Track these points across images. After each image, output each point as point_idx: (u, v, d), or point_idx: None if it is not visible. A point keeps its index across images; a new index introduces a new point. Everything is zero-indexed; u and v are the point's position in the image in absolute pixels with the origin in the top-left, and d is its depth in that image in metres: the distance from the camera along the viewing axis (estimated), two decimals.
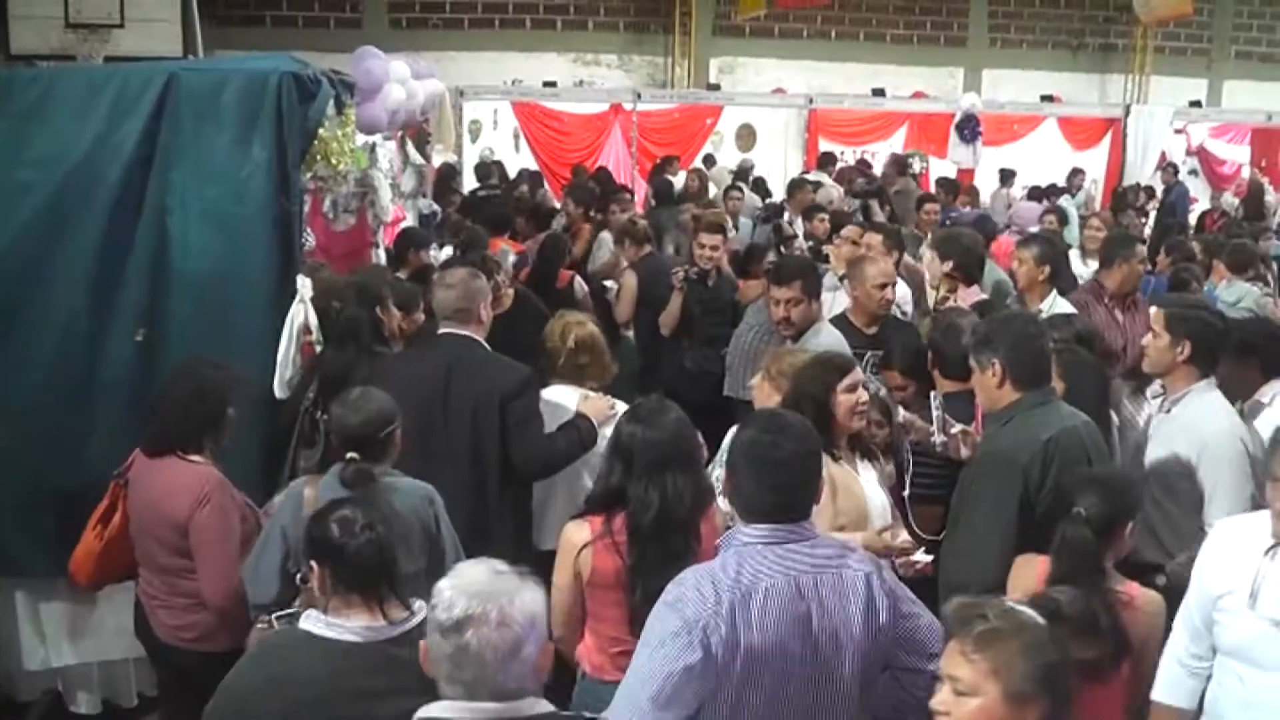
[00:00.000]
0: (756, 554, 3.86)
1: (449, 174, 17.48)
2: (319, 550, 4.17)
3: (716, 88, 24.18)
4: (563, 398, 6.76)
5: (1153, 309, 7.00)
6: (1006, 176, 21.56)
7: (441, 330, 6.52)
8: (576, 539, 5.02)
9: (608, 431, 6.52)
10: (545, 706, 3.50)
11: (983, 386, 5.63)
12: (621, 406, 6.66)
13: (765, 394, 6.12)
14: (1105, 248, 9.27)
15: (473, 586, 3.37)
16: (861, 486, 5.63)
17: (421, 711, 3.42)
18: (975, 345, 5.60)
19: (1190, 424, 5.99)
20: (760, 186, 20.15)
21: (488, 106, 21.96)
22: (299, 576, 4.99)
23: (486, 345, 6.53)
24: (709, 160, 22.25)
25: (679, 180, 18.49)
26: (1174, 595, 5.51)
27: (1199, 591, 4.71)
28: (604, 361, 6.96)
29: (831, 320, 7.80)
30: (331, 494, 4.96)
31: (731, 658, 3.73)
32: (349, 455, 5.19)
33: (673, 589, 3.88)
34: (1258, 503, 5.65)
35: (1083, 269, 11.41)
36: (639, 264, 10.79)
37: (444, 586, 3.41)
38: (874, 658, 3.94)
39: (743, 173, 20.72)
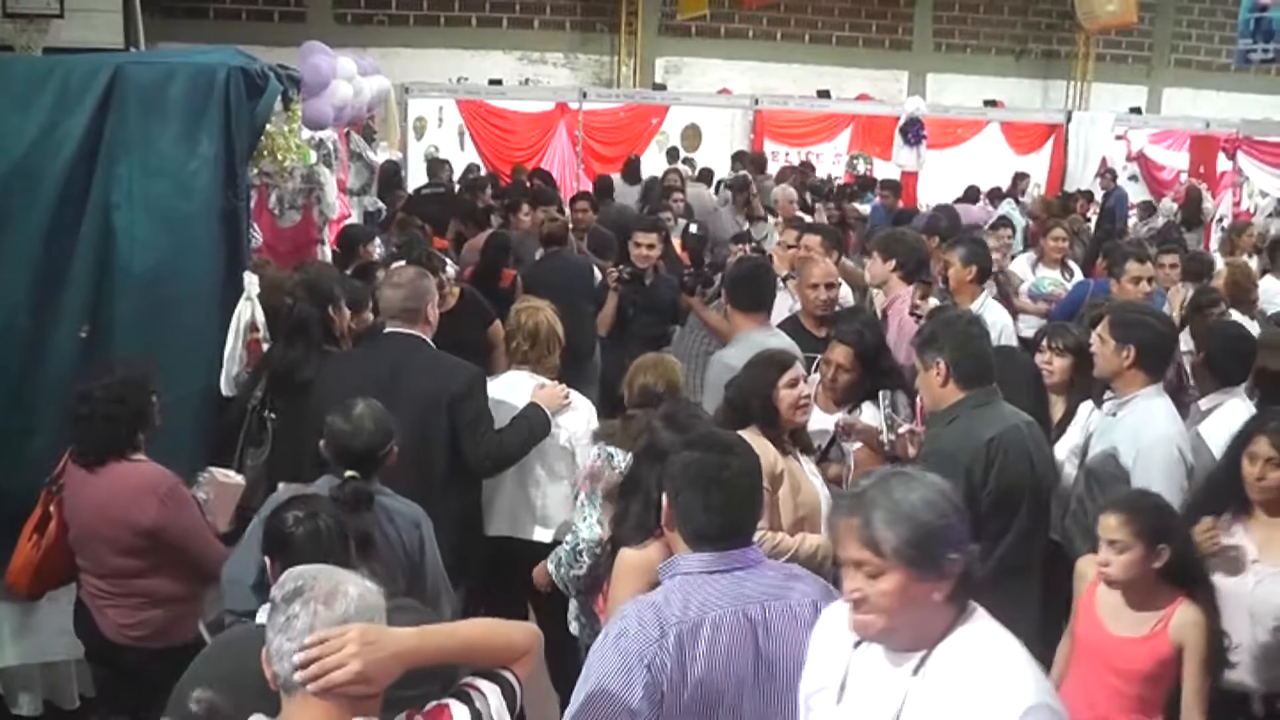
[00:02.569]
0: (702, 584, 3.75)
1: (394, 172, 17.40)
2: (269, 544, 4.21)
3: (662, 88, 24.20)
4: (516, 384, 6.70)
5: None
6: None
7: (388, 329, 6.46)
8: (648, 561, 4.64)
9: (564, 420, 6.56)
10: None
11: (927, 385, 5.66)
12: (577, 397, 6.68)
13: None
14: (1107, 265, 9.38)
15: (309, 570, 3.24)
16: (811, 479, 5.67)
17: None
18: (920, 345, 5.62)
19: (1131, 428, 6.04)
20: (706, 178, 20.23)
21: (433, 104, 21.84)
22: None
23: (433, 344, 6.47)
24: (673, 153, 22.28)
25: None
26: None
27: None
28: (546, 351, 6.86)
29: (781, 324, 7.74)
30: None
31: (679, 693, 3.62)
32: (348, 474, 5.06)
33: (615, 623, 3.76)
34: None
35: (1031, 275, 11.46)
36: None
37: (285, 575, 3.26)
38: None
39: (705, 174, 20.74)
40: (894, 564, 3.12)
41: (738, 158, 21.12)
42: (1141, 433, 5.96)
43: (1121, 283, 8.86)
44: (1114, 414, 6.22)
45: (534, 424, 6.43)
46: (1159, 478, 5.80)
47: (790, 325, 7.76)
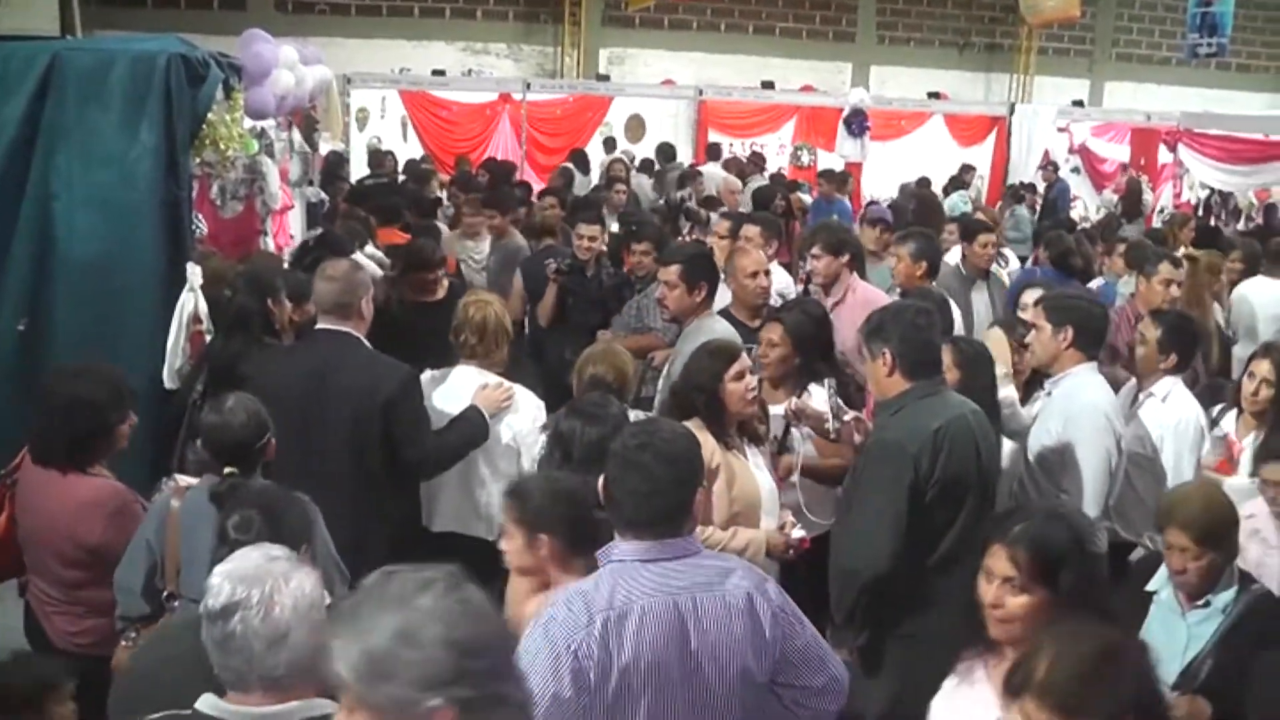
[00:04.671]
0: (632, 572, 3.76)
1: (336, 162, 17.29)
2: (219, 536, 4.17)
3: (606, 78, 24.13)
4: (465, 380, 6.63)
5: (1029, 295, 7.65)
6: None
7: (319, 326, 6.28)
8: None
9: (509, 418, 6.49)
10: (326, 708, 3.18)
11: (873, 375, 5.66)
12: (522, 396, 6.61)
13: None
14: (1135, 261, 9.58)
15: (239, 572, 3.24)
16: (751, 472, 5.64)
17: (198, 703, 3.28)
18: (867, 335, 5.62)
19: (1062, 398, 6.37)
20: (647, 169, 20.22)
21: (375, 95, 21.73)
22: (164, 594, 5.01)
23: (366, 342, 6.32)
24: (610, 143, 22.25)
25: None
26: None
27: None
28: (495, 344, 6.80)
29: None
30: (198, 510, 4.84)
31: (604, 682, 3.63)
32: (227, 470, 5.00)
33: (546, 610, 3.78)
34: (1114, 473, 6.25)
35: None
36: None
37: (216, 573, 3.26)
38: (759, 678, 3.85)
39: (646, 165, 20.71)
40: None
41: (661, 151, 21.04)
42: (1071, 402, 6.29)
43: (1151, 282, 8.93)
44: (1049, 393, 6.56)
45: (473, 427, 6.35)
46: (1086, 443, 6.17)
47: (724, 317, 7.66)
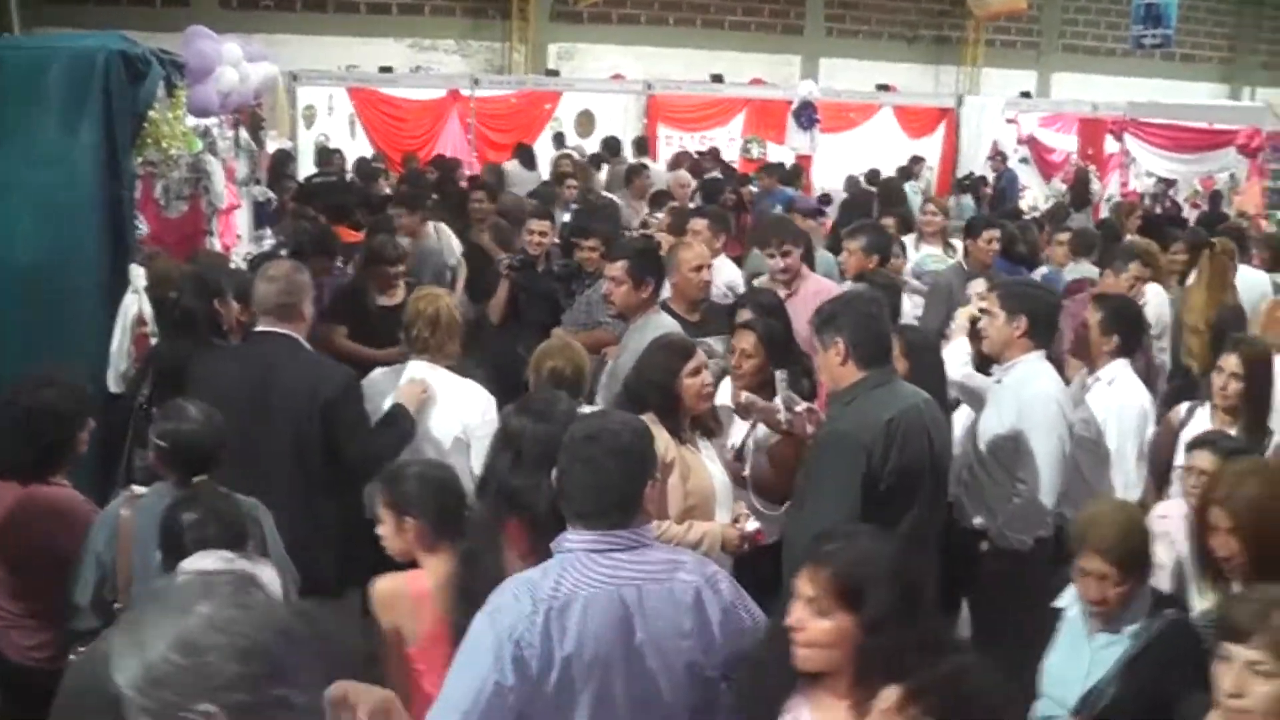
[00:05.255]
0: (580, 562, 3.75)
1: (283, 160, 17.16)
2: (167, 547, 4.18)
3: (555, 74, 24.10)
4: (417, 375, 6.58)
5: (981, 287, 7.61)
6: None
7: (260, 329, 6.19)
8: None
9: (459, 412, 6.46)
10: None
11: (826, 365, 5.63)
12: (472, 390, 6.59)
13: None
14: (1103, 256, 9.59)
15: (211, 572, 3.17)
16: (705, 465, 5.62)
17: None
18: (819, 325, 5.59)
19: (1013, 387, 6.40)
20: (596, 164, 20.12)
21: (322, 92, 21.59)
22: (114, 604, 4.92)
23: (306, 344, 6.26)
24: (559, 138, 22.19)
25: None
26: (999, 559, 6.27)
27: None
28: (447, 338, 6.75)
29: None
30: (153, 520, 4.74)
31: (546, 672, 3.62)
32: (196, 478, 4.96)
33: (493, 597, 3.76)
34: (1067, 461, 6.32)
35: (914, 253, 11.47)
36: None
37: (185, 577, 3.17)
38: (707, 672, 3.83)
39: (595, 160, 20.62)
40: None
41: (606, 145, 21.00)
42: (1023, 391, 6.33)
43: (1119, 279, 8.98)
44: (1000, 381, 6.56)
45: (402, 423, 6.31)
46: (1039, 432, 6.23)
47: (662, 309, 7.61)
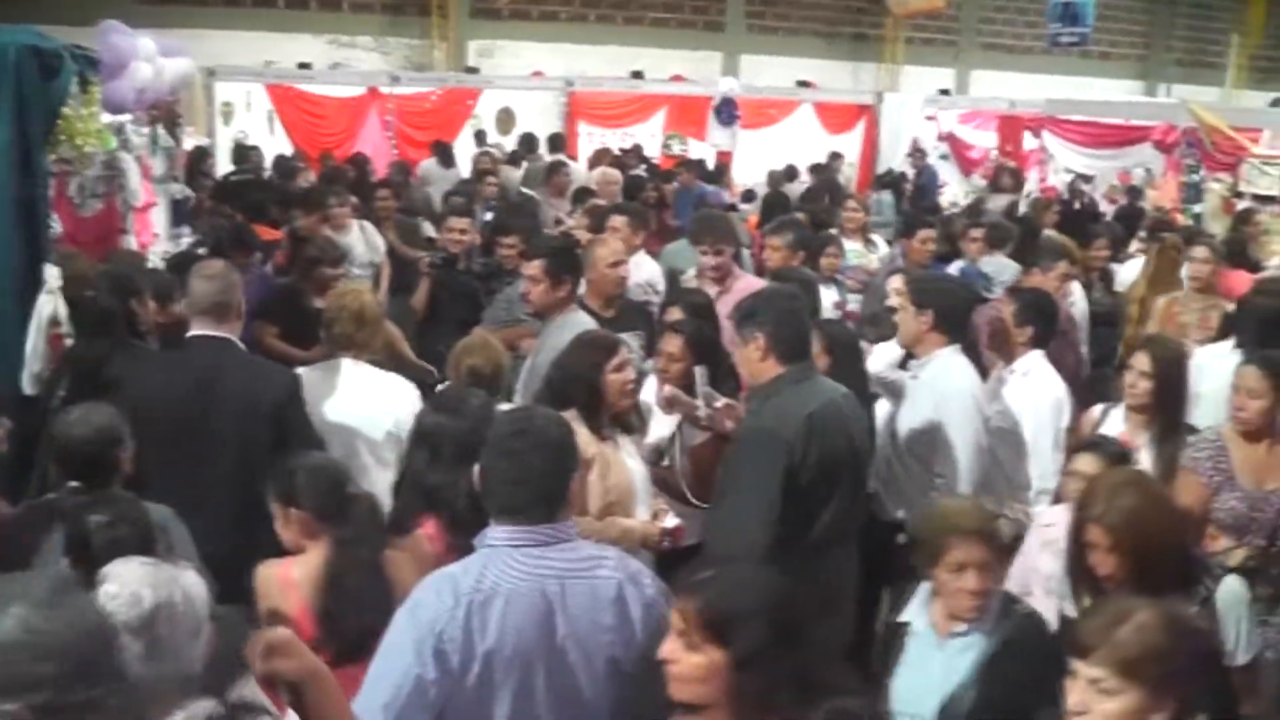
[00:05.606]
0: (502, 557, 3.75)
1: (201, 158, 16.99)
2: (73, 551, 4.13)
3: (475, 71, 23.99)
4: (344, 373, 6.55)
5: (898, 282, 7.61)
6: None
7: (195, 332, 6.06)
8: (412, 549, 4.82)
9: (390, 406, 6.44)
10: (212, 708, 3.26)
11: (746, 360, 5.65)
12: (400, 385, 6.60)
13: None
14: (1030, 255, 9.62)
15: (143, 578, 3.17)
16: (624, 462, 5.64)
17: None
18: (740, 320, 5.63)
19: (930, 383, 6.51)
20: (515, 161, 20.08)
21: (240, 88, 21.30)
22: None
23: (241, 345, 6.21)
24: (480, 136, 22.10)
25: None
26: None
27: None
28: (372, 333, 6.71)
29: None
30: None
31: (467, 666, 3.62)
32: (71, 484, 4.91)
33: (415, 592, 3.78)
34: (983, 454, 6.40)
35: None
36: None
37: (114, 590, 3.15)
38: (627, 668, 3.82)
39: (515, 157, 20.55)
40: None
41: (524, 142, 20.93)
42: (938, 385, 6.45)
43: (1048, 277, 9.10)
44: (916, 376, 6.67)
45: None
46: (956, 427, 6.34)
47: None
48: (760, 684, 3.25)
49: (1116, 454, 5.60)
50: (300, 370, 6.53)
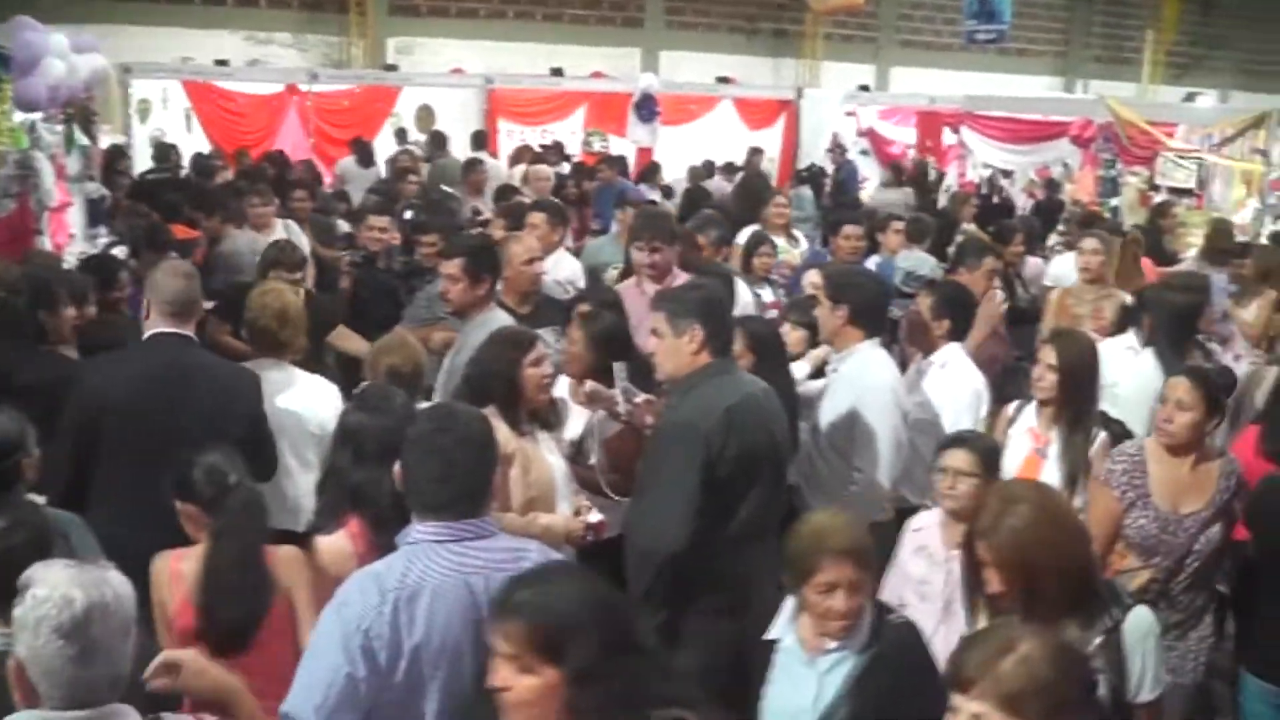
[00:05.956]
0: (427, 553, 3.78)
1: (117, 156, 16.82)
2: None
3: (394, 68, 23.85)
4: (273, 375, 6.47)
5: (815, 277, 7.77)
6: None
7: (160, 330, 5.95)
8: (340, 551, 4.79)
9: (314, 406, 6.45)
10: (129, 714, 3.23)
11: (676, 352, 5.60)
12: (321, 385, 6.61)
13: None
14: (955, 253, 9.54)
15: (71, 579, 3.14)
16: (545, 457, 5.66)
17: None
18: (674, 311, 5.60)
19: (850, 378, 6.54)
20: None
21: (157, 85, 21.06)
22: None
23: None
24: (439, 138, 21.95)
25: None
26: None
27: None
28: (294, 333, 6.66)
29: None
30: None
31: (395, 661, 3.65)
32: None
33: (341, 591, 3.79)
34: (903, 448, 6.47)
35: None
36: None
37: (42, 594, 3.12)
38: None
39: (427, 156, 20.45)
40: None
41: (433, 140, 20.83)
42: (859, 381, 6.49)
43: (975, 275, 9.01)
44: (835, 369, 6.70)
45: None
46: (875, 421, 6.39)
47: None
48: (596, 697, 3.15)
49: (986, 449, 5.59)
50: None
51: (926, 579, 5.40)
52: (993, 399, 7.17)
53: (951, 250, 10.99)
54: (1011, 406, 6.71)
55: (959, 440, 5.65)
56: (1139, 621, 4.22)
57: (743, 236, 10.79)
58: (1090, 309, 9.49)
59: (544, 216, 9.54)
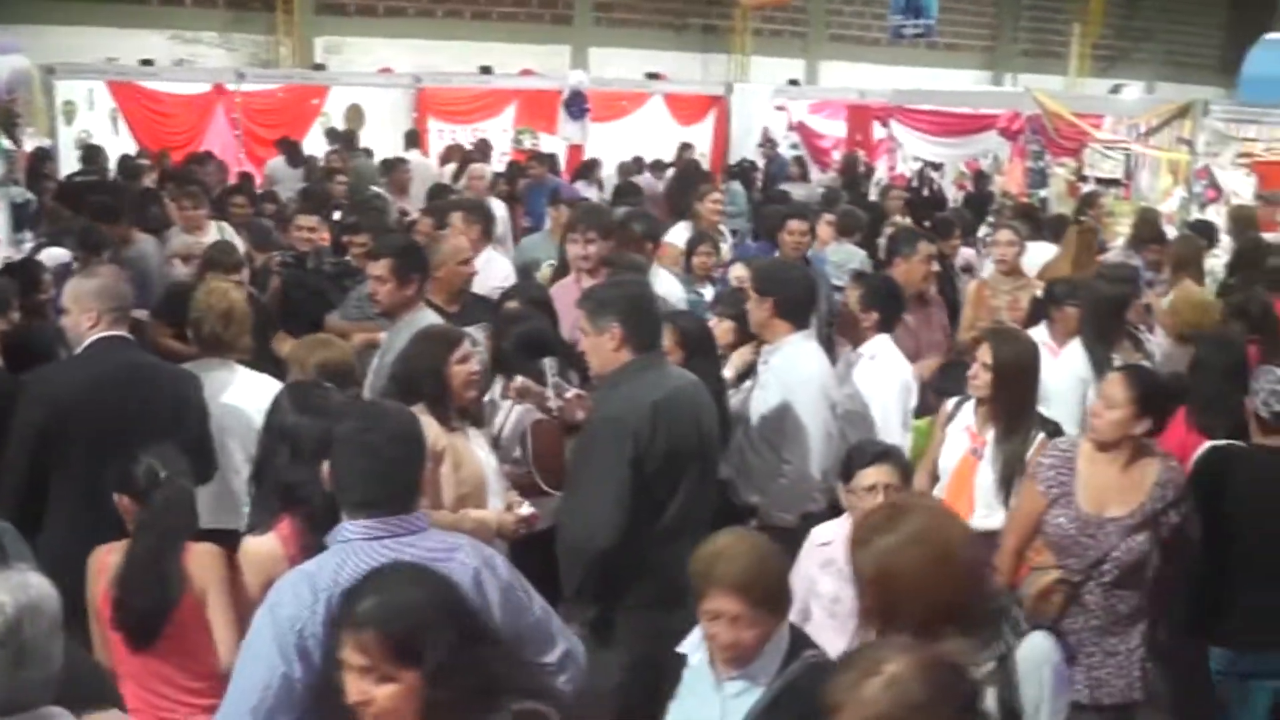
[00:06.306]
0: (359, 550, 3.75)
1: (42, 159, 16.63)
2: None
3: (322, 67, 23.70)
4: (217, 375, 6.49)
5: (741, 270, 7.96)
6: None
7: (107, 334, 5.93)
8: (270, 552, 4.72)
9: (262, 406, 6.32)
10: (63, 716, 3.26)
11: (598, 349, 5.63)
12: (266, 384, 6.50)
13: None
14: (887, 244, 9.51)
15: (1, 586, 3.15)
16: (476, 454, 5.67)
17: None
18: (593, 309, 5.61)
19: (778, 370, 6.61)
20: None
21: (82, 86, 20.76)
22: None
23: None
24: (349, 137, 21.79)
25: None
26: (772, 536, 5.81)
27: None
28: (240, 332, 6.64)
29: None
30: None
31: (333, 659, 3.54)
32: None
33: (273, 592, 3.78)
34: (832, 440, 6.48)
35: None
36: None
37: None
38: None
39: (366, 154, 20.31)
40: None
41: (339, 138, 20.69)
42: (788, 374, 6.54)
43: (912, 262, 8.91)
44: (766, 362, 6.74)
45: None
46: (805, 413, 6.45)
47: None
48: (456, 692, 3.18)
49: (904, 461, 5.46)
50: None
51: (837, 596, 5.19)
52: (932, 393, 7.29)
53: (882, 242, 11.01)
54: (951, 403, 6.66)
55: (882, 455, 5.32)
56: (1033, 649, 3.89)
57: (675, 233, 10.83)
58: (1007, 300, 9.59)
59: (460, 215, 9.50)
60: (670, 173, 20.20)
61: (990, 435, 6.20)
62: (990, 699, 3.70)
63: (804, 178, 19.91)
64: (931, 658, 3.10)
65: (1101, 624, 5.45)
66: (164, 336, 7.97)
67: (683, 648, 4.28)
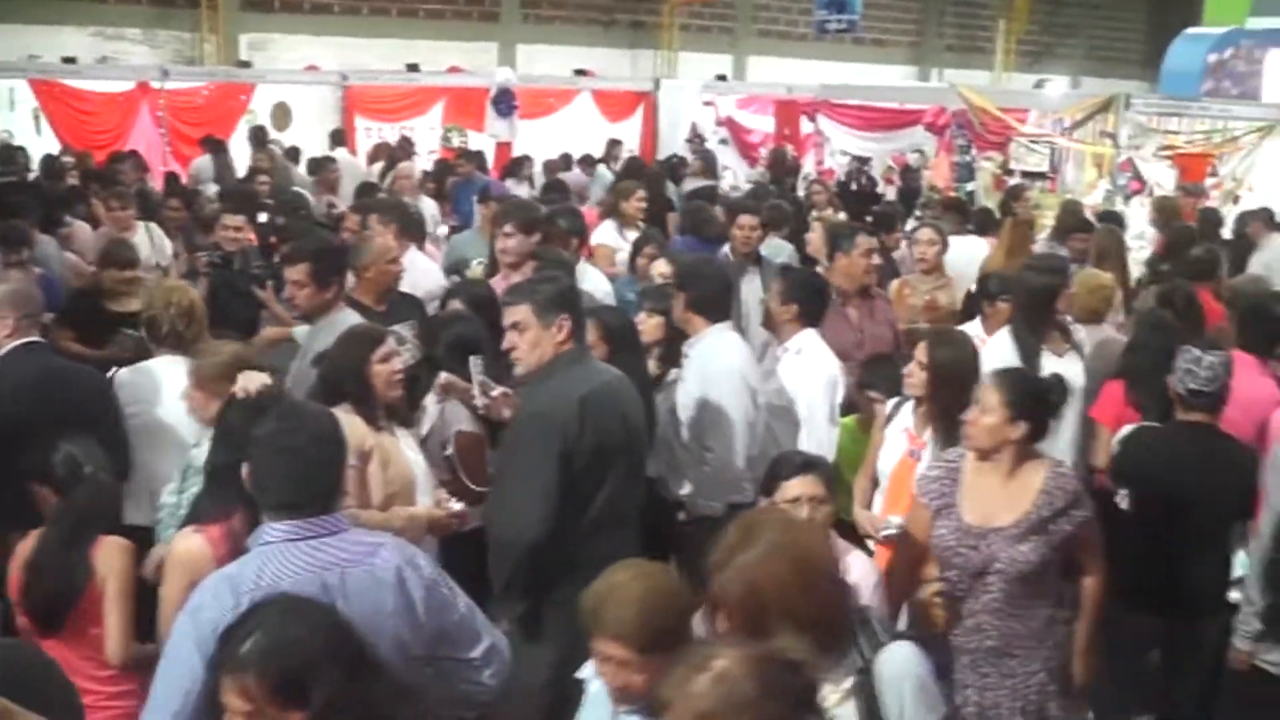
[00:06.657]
0: (280, 552, 3.74)
1: None
2: None
3: (248, 65, 23.52)
4: (171, 373, 6.34)
5: (664, 267, 8.09)
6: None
7: (26, 340, 6.03)
8: (198, 553, 4.59)
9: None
10: None
11: (541, 344, 5.58)
12: None
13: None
14: (829, 242, 9.41)
15: None
16: (404, 453, 5.67)
17: None
18: (544, 304, 5.56)
19: (698, 361, 6.74)
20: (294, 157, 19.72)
21: (3, 85, 20.46)
22: None
23: None
24: (261, 134, 21.59)
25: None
26: (696, 525, 6.49)
27: None
28: (198, 332, 6.58)
29: None
30: None
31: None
32: None
33: (194, 596, 3.76)
34: (754, 429, 6.63)
35: (619, 240, 11.52)
36: None
37: None
38: (414, 651, 3.86)
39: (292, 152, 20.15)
40: None
41: (253, 138, 20.48)
42: (707, 365, 6.68)
43: (853, 256, 8.79)
44: (688, 355, 6.85)
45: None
46: (725, 403, 6.59)
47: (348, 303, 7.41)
48: None
49: (827, 469, 5.21)
50: (120, 371, 6.60)
51: None
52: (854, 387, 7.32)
53: (810, 236, 11.03)
54: (890, 403, 6.58)
55: (806, 465, 5.05)
56: (892, 659, 3.79)
57: (602, 231, 10.86)
58: (924, 299, 9.64)
59: (375, 217, 9.37)
60: (601, 169, 20.24)
61: (928, 436, 6.10)
62: (851, 713, 3.66)
63: (709, 174, 19.77)
64: (763, 653, 2.99)
65: (997, 645, 5.14)
66: (68, 341, 7.96)
67: (582, 673, 4.13)
